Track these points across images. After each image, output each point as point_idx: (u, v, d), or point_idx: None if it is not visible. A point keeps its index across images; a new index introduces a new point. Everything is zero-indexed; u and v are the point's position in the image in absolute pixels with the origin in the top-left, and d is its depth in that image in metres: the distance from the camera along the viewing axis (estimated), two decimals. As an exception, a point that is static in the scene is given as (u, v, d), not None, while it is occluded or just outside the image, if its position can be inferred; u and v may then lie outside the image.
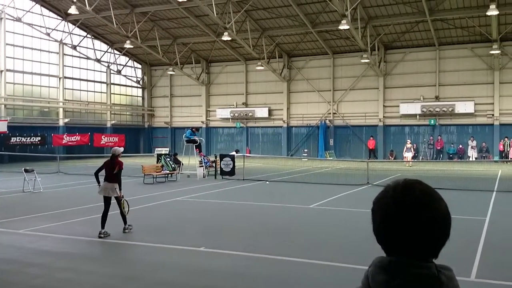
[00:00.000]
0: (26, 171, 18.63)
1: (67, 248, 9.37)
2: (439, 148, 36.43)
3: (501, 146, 33.88)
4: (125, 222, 10.65)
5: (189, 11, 35.11)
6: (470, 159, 34.36)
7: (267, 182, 21.15)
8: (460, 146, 35.99)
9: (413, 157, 34.27)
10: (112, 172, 10.73)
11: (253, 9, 34.08)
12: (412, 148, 33.14)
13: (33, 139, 36.27)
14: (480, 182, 20.17)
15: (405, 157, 31.81)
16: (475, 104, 35.50)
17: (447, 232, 1.42)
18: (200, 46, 42.20)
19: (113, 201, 10.75)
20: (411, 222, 1.38)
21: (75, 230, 10.92)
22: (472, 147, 35.23)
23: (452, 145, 36.40)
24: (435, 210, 1.41)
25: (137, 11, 35.42)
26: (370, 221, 1.49)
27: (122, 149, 11.94)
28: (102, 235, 10.04)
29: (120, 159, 11.22)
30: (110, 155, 11.05)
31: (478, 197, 16.14)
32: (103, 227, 10.18)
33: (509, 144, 33.47)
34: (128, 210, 10.88)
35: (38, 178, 18.59)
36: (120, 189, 10.76)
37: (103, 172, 10.90)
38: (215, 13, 30.73)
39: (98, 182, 11.05)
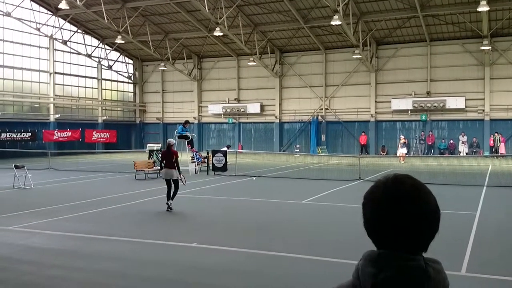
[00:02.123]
0: (16, 167, 18.49)
1: (57, 245, 9.30)
2: (430, 143, 36.61)
3: (492, 141, 34.11)
4: (172, 199, 12.99)
5: (181, 6, 34.94)
6: (461, 154, 34.57)
7: (254, 178, 21.15)
8: (451, 141, 36.19)
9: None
10: (171, 160, 13.24)
11: (245, 4, 33.98)
12: (405, 144, 32.30)
13: (23, 135, 36.02)
14: (470, 177, 20.30)
15: (401, 153, 30.32)
16: (466, 99, 35.71)
17: (436, 226, 1.44)
18: (192, 41, 42.05)
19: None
20: (400, 216, 1.40)
21: (66, 227, 10.86)
22: (463, 142, 35.44)
23: (443, 141, 36.59)
24: (424, 204, 1.42)
25: (128, 6, 35.17)
26: (361, 216, 1.49)
27: (174, 141, 14.49)
28: (169, 206, 12.74)
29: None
30: (167, 145, 13.80)
31: (469, 192, 16.24)
32: (168, 199, 12.90)
33: (499, 139, 33.71)
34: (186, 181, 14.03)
35: (29, 174, 18.44)
36: (179, 173, 13.29)
37: None
38: (206, 8, 30.61)
39: (161, 168, 13.51)
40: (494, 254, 8.50)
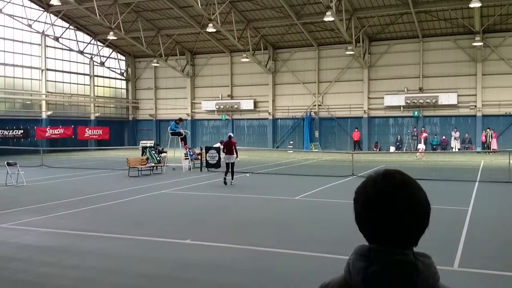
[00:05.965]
0: (8, 164, 18.36)
1: (50, 242, 9.28)
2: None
3: (483, 137, 34.30)
4: (232, 177, 17.67)
5: (173, 2, 34.82)
6: (453, 150, 34.76)
7: (247, 175, 21.18)
8: (444, 137, 36.37)
9: (397, 148, 34.36)
10: (231, 148, 17.70)
11: (237, 0, 33.92)
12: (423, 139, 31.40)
13: (15, 132, 35.79)
14: (463, 172, 20.43)
15: (420, 148, 30.15)
16: (458, 95, 35.89)
17: (425, 220, 1.45)
18: (185, 37, 41.92)
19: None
20: (390, 211, 1.41)
21: (59, 224, 10.83)
22: (455, 138, 35.63)
23: (435, 136, 36.77)
24: (414, 199, 1.43)
25: (121, 2, 34.98)
26: (353, 211, 1.50)
27: (232, 134, 19.10)
28: (225, 180, 17.37)
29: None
30: (228, 137, 18.19)
31: (461, 187, 16.35)
32: (226, 175, 17.44)
33: (491, 135, 33.91)
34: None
35: (21, 172, 18.34)
36: (237, 156, 18.01)
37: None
38: (199, 4, 30.52)
39: (224, 153, 18.13)
40: (486, 249, 8.57)
